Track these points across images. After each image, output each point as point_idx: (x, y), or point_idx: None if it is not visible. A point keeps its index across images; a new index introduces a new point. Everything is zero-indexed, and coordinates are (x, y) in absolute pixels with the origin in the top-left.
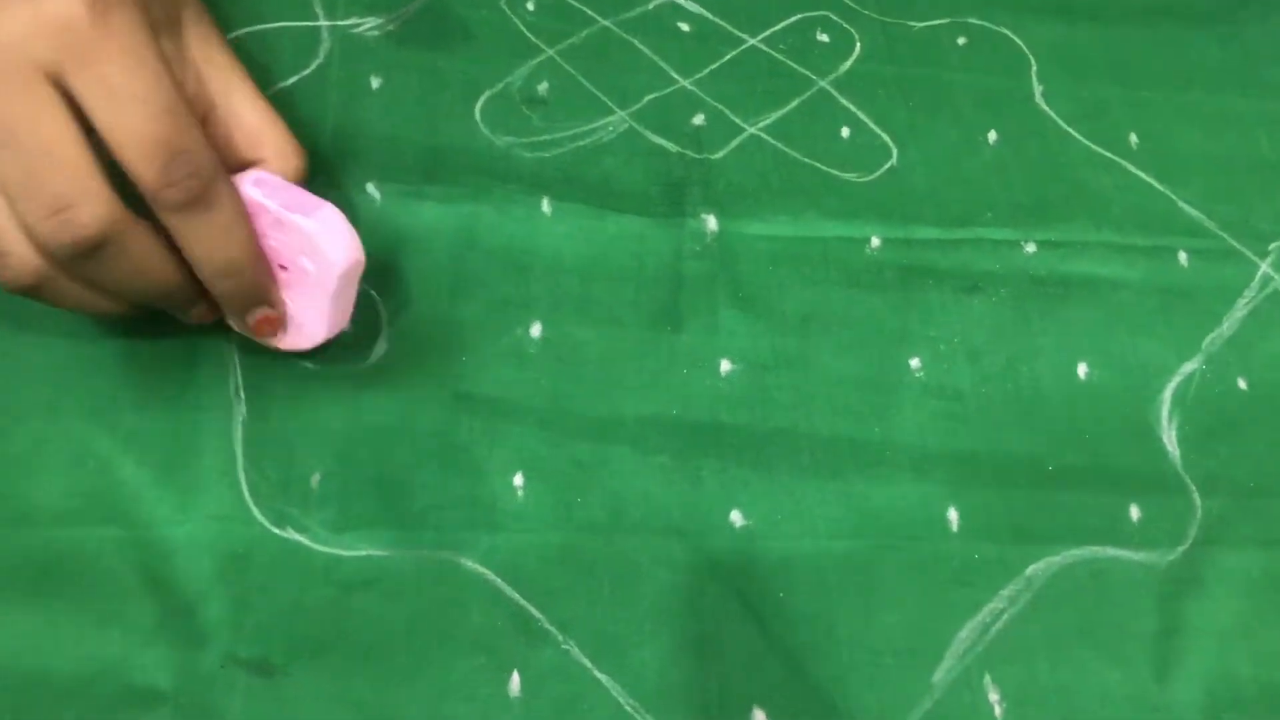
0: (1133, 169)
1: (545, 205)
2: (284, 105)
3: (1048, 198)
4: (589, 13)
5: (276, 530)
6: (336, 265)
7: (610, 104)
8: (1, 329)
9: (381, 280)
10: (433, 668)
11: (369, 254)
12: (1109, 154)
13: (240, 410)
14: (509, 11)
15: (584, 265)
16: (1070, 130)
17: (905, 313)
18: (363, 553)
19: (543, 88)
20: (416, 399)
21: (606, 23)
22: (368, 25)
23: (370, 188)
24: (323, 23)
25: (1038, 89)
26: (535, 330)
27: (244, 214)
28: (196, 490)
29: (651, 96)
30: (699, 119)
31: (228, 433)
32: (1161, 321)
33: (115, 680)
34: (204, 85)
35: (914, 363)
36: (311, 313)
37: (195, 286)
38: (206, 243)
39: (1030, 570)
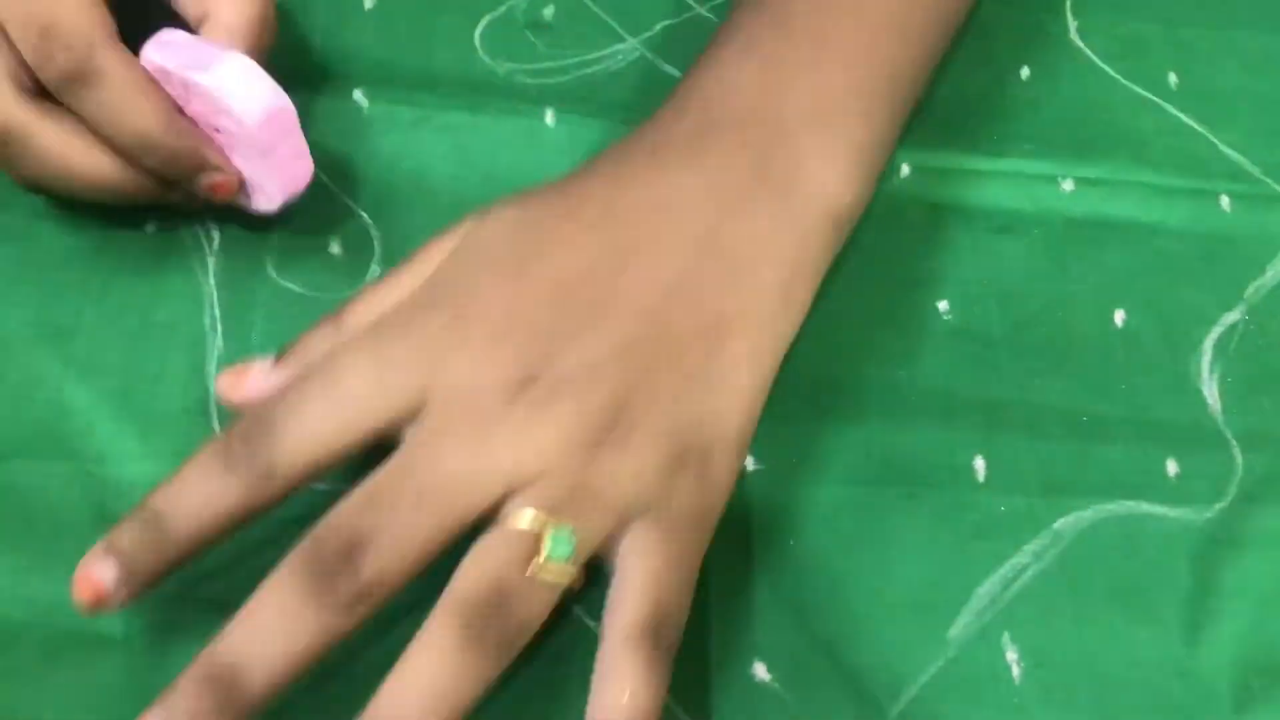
0: (1172, 110)
1: (549, 117)
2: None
3: (1084, 135)
4: None
5: None
6: (251, 119)
7: (620, 30)
8: None
9: (372, 200)
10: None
11: (358, 168)
12: (1147, 94)
13: (217, 344)
14: None
15: None
16: (1106, 68)
17: (934, 252)
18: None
19: (548, 11)
20: None
21: None
22: None
23: (358, 95)
24: None
25: (1072, 24)
26: None
27: (142, 82)
28: (161, 426)
29: (665, 23)
30: None
31: (200, 368)
32: (1202, 268)
33: (60, 624)
34: None
35: (942, 305)
36: (261, 174)
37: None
38: (105, 119)
39: (1059, 524)
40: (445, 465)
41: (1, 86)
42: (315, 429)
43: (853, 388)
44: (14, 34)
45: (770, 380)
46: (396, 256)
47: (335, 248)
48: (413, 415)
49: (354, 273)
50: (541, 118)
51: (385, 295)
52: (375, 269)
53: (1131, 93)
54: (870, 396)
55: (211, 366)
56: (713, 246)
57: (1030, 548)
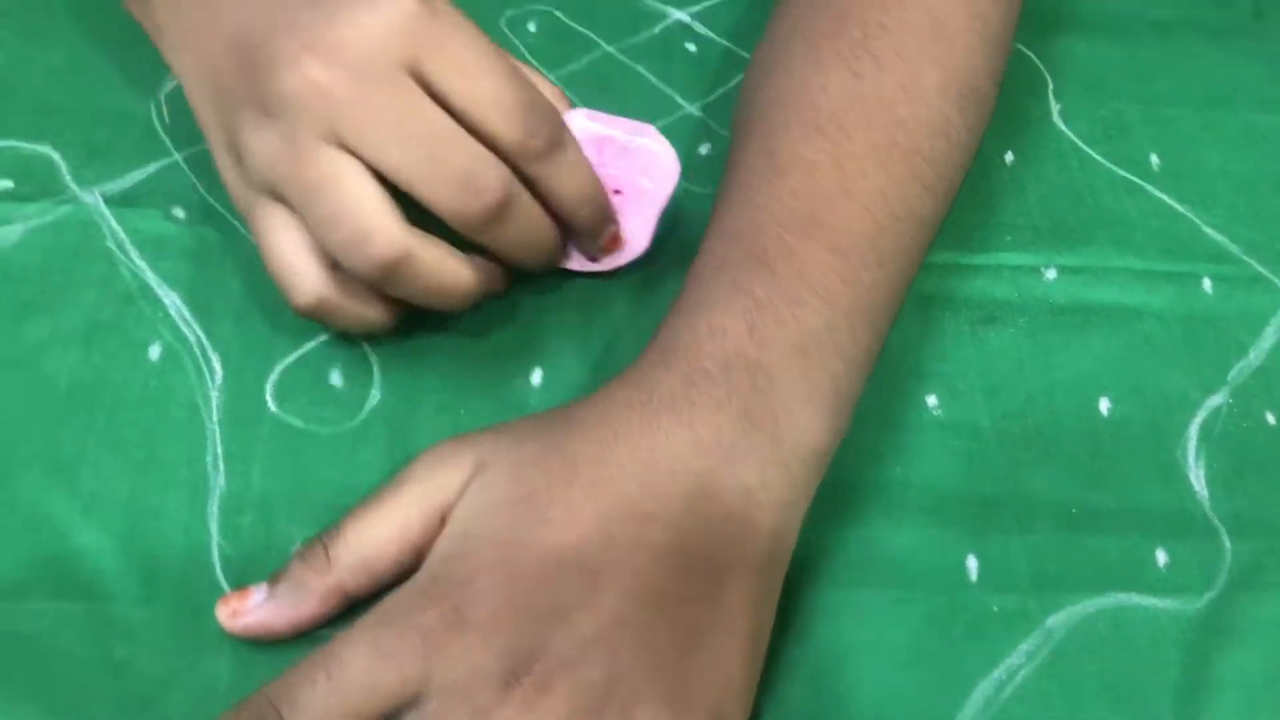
0: (1154, 191)
1: None
2: None
3: (1067, 221)
4: (592, 36)
5: None
6: (674, 175)
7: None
8: None
9: None
10: None
11: None
12: (1130, 175)
13: (219, 482)
14: (509, 33)
15: (584, 307)
16: (1089, 151)
17: (921, 346)
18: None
19: None
20: (410, 456)
21: (610, 48)
22: None
23: None
24: None
25: (1055, 107)
26: (536, 378)
27: (579, 146)
28: (165, 570)
29: (657, 125)
30: (706, 149)
31: (202, 505)
32: (1185, 352)
33: None
34: None
35: (931, 400)
36: (637, 230)
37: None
38: (568, 179)
39: (1050, 622)
40: None
41: (392, 219)
42: (319, 717)
43: (850, 488)
44: (499, 118)
45: (771, 618)
46: (397, 383)
47: (336, 378)
48: (413, 702)
49: (354, 403)
50: None
51: (370, 529)
52: (375, 395)
53: (1114, 175)
54: (866, 497)
55: (213, 507)
56: (704, 500)
57: (1024, 647)
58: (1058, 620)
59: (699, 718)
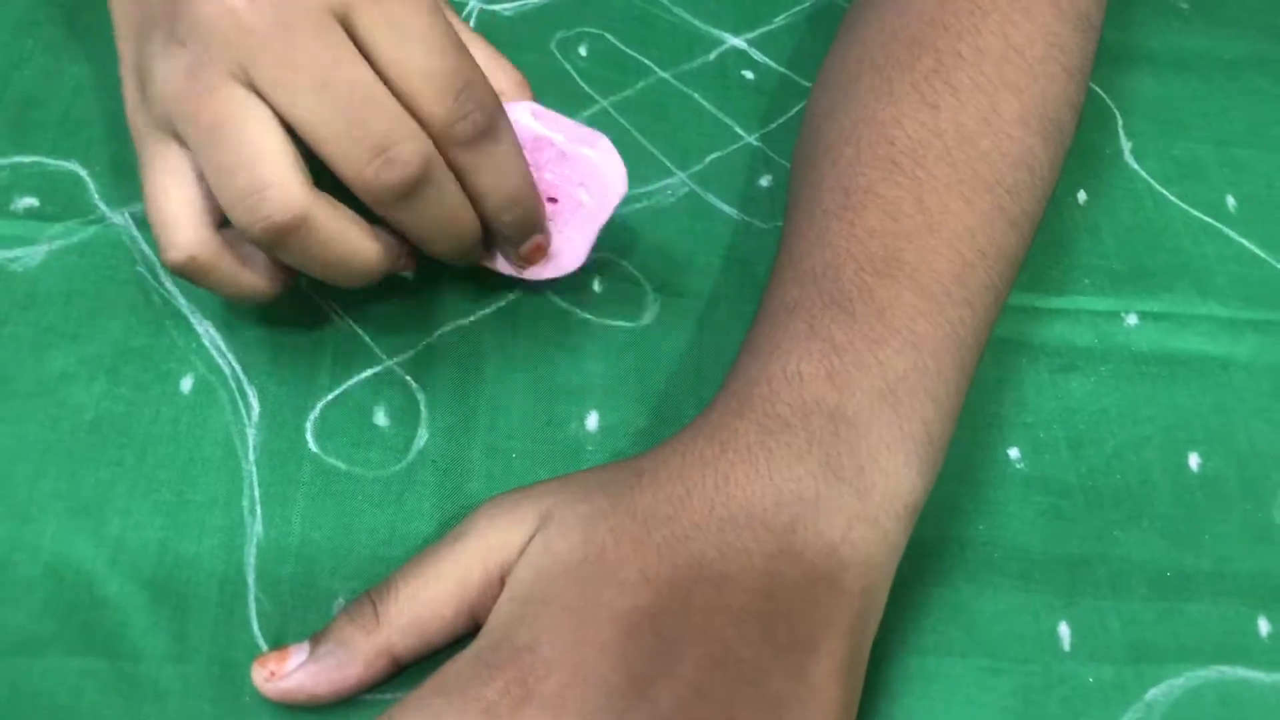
0: (1232, 234)
1: (596, 285)
2: None
3: (1145, 265)
4: (645, 62)
5: None
6: (617, 193)
7: (669, 164)
8: None
9: (418, 362)
10: None
11: (401, 333)
12: (1206, 217)
13: (255, 529)
14: (559, 55)
15: (639, 347)
16: (1163, 191)
17: (1000, 394)
18: (389, 696)
19: None
20: (460, 503)
21: (664, 74)
22: None
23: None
24: None
25: (1126, 145)
26: (591, 421)
27: (518, 145)
28: (198, 625)
29: (714, 155)
30: (766, 180)
31: (238, 555)
32: (1275, 404)
33: None
34: None
35: (1013, 453)
36: (572, 244)
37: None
38: (493, 175)
39: (1151, 695)
40: None
41: (295, 175)
42: None
43: (933, 547)
44: (425, 91)
45: (859, 688)
46: (445, 423)
47: (380, 417)
48: None
49: (400, 444)
50: (590, 285)
51: (424, 587)
52: (423, 435)
53: (1190, 217)
54: (950, 556)
55: (250, 556)
56: (788, 561)
57: None
58: (1158, 694)
59: None
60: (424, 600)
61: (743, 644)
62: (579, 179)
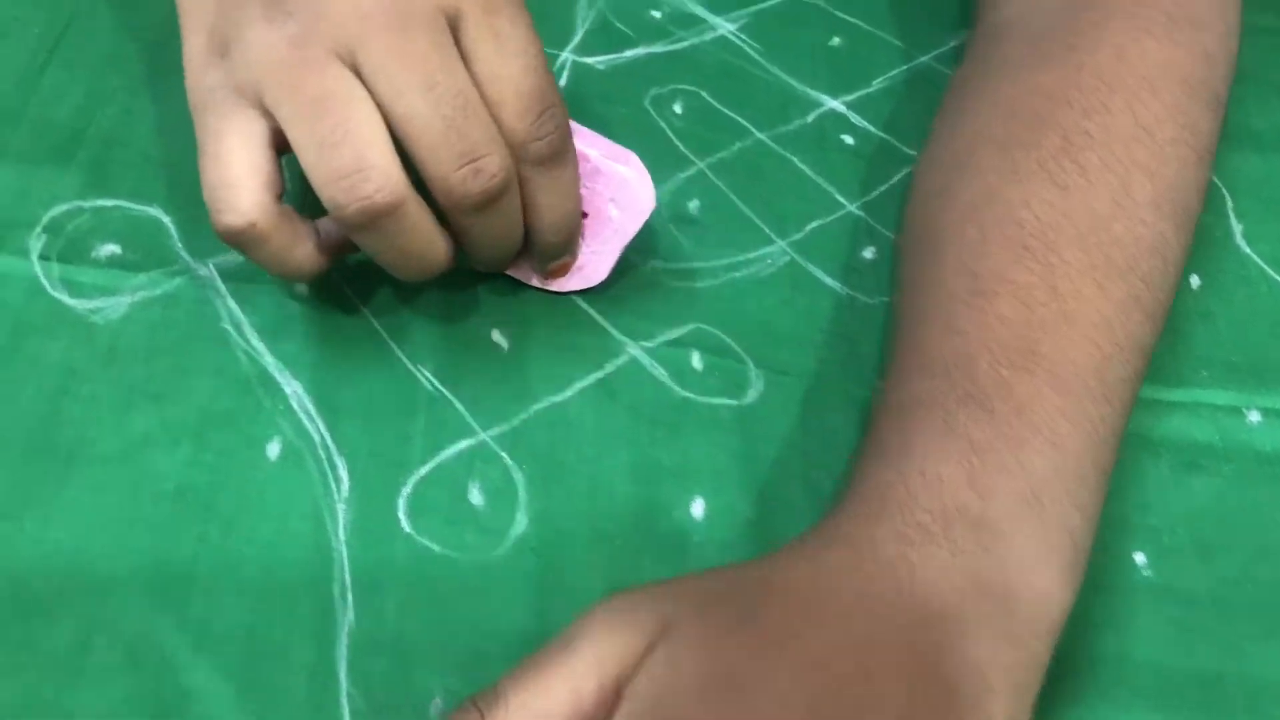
0: None
1: (696, 360)
2: None
3: (1265, 357)
4: (742, 122)
5: None
6: (646, 210)
7: (768, 231)
8: (46, 474)
9: (514, 437)
10: None
11: (495, 404)
12: None
13: (347, 616)
14: (653, 112)
15: (743, 428)
16: (1277, 277)
17: (1122, 493)
18: None
19: (693, 205)
20: (562, 594)
21: (761, 135)
22: None
23: (496, 335)
24: None
25: (1237, 228)
26: (697, 509)
27: (578, 171)
28: (288, 717)
29: (815, 223)
30: (870, 252)
31: (330, 644)
32: None
33: None
34: None
35: (1139, 558)
36: (599, 257)
37: (454, 255)
38: (555, 195)
39: None
40: None
41: (397, 162)
42: None
43: (1062, 660)
44: (515, 107)
45: None
46: (544, 505)
47: (476, 495)
48: None
49: (498, 527)
50: (688, 360)
51: (537, 698)
52: (521, 520)
53: None
54: (1082, 672)
55: (342, 647)
56: (930, 683)
57: None
58: None
59: None
60: (535, 712)
61: None
62: (610, 194)
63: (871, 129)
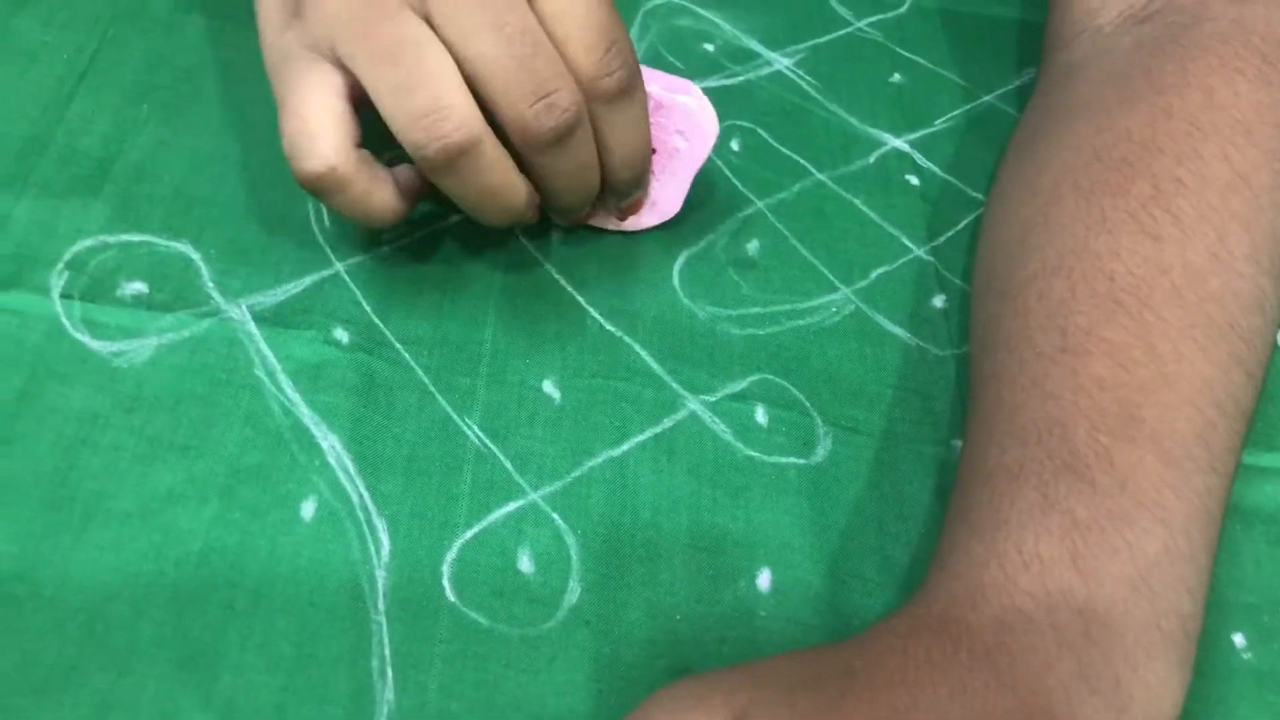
0: None
1: (760, 415)
2: (442, 250)
3: None
4: (802, 162)
5: None
6: (711, 136)
7: (832, 278)
8: (62, 531)
9: (566, 497)
10: None
11: (553, 469)
12: None
13: (386, 695)
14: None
15: (813, 491)
16: None
17: (1217, 569)
18: None
19: (752, 247)
20: (619, 673)
21: (822, 176)
22: None
23: (548, 385)
24: None
25: None
26: (763, 581)
27: (647, 107)
28: None
29: (881, 270)
30: (940, 301)
31: None
32: None
33: None
34: None
35: (1238, 640)
36: (668, 190)
37: (535, 196)
38: (626, 132)
39: None
40: None
41: (471, 101)
42: None
43: None
44: (580, 40)
45: None
46: (598, 574)
47: (525, 562)
48: None
49: (549, 598)
50: (753, 415)
51: None
52: (574, 589)
53: None
54: None
55: None
56: None
57: None
58: None
59: None
60: None
61: None
62: (675, 126)
63: (936, 169)
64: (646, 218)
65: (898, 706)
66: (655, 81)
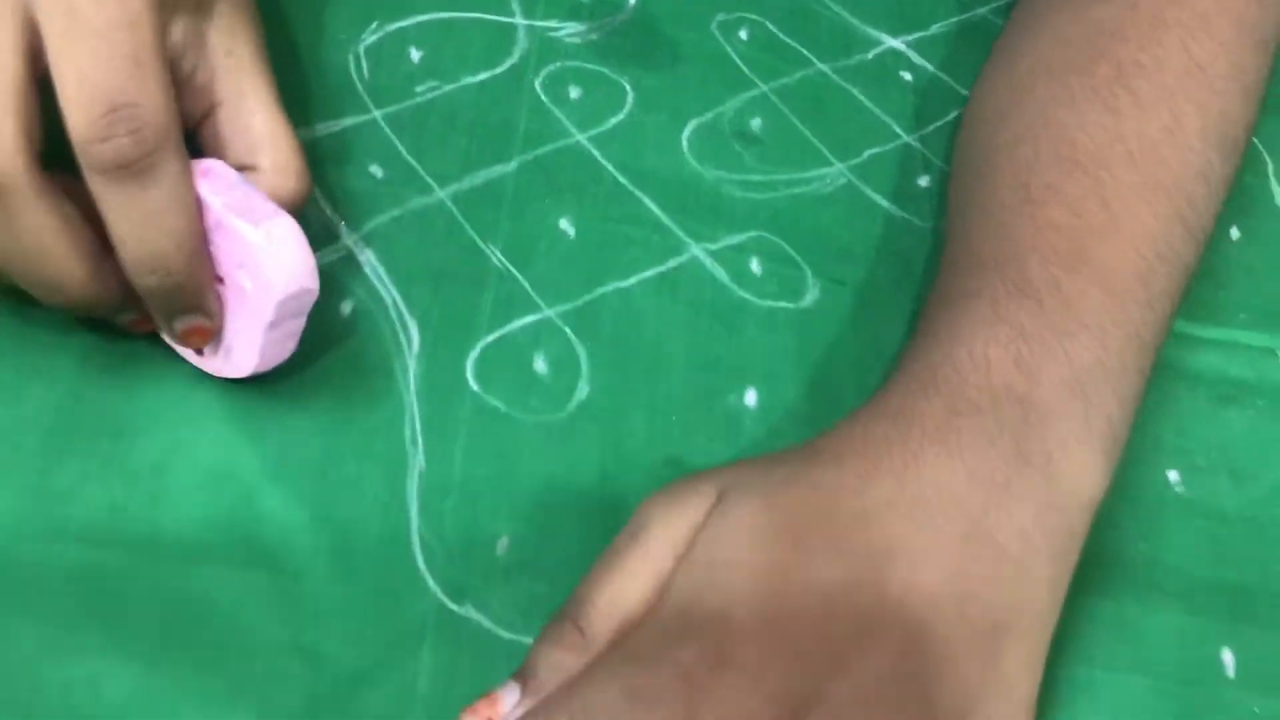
0: None
1: (755, 265)
2: (471, 104)
3: None
4: (805, 53)
5: (454, 606)
6: (275, 290)
7: (828, 154)
8: None
9: (578, 317)
10: None
11: (567, 292)
12: None
13: (418, 461)
14: (720, 37)
15: (799, 329)
16: None
17: (1159, 418)
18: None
19: (755, 123)
20: (621, 459)
21: (823, 66)
22: (568, 30)
23: (564, 223)
24: (519, 21)
25: (1276, 189)
26: (750, 398)
27: (189, 202)
28: (360, 550)
29: (872, 151)
30: (925, 180)
31: (400, 483)
32: None
33: None
34: (215, 78)
35: (1172, 475)
36: (242, 338)
37: (111, 289)
38: (133, 222)
39: None
40: None
41: (16, 142)
42: None
43: (1096, 560)
44: (73, 97)
45: (1040, 680)
46: (605, 381)
47: (540, 364)
48: None
49: (560, 395)
50: (748, 265)
51: (621, 590)
52: (584, 389)
53: None
54: (1113, 571)
55: (413, 486)
56: (979, 543)
57: None
58: None
59: None
60: (624, 605)
61: (938, 626)
62: (239, 259)
63: (929, 67)
64: (220, 364)
65: (859, 472)
66: (223, 195)
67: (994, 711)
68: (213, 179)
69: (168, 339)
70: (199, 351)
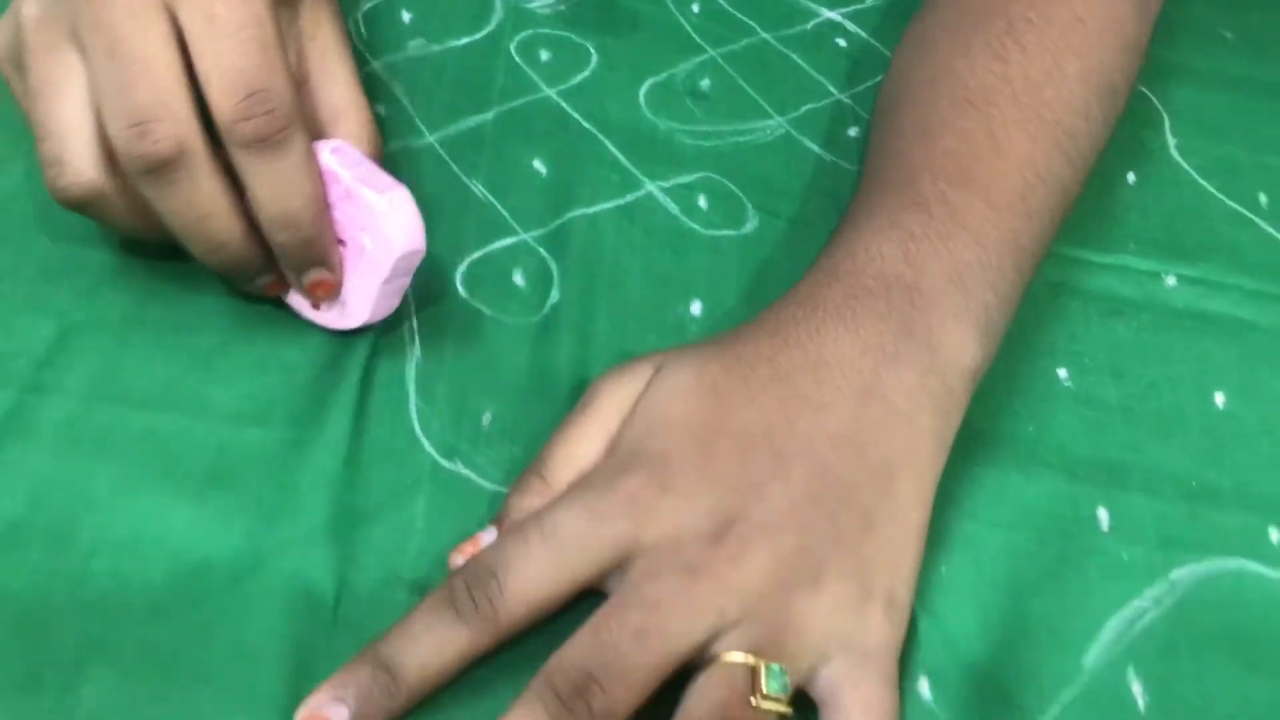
0: (1264, 225)
1: (702, 201)
2: (454, 64)
3: (1185, 239)
4: (750, 23)
5: (445, 462)
6: (395, 247)
7: (768, 108)
8: None
9: (550, 239)
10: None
11: (540, 219)
12: (1241, 209)
13: (415, 352)
14: (674, 9)
15: (741, 256)
16: (1204, 183)
17: (1052, 326)
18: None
19: (705, 83)
20: (585, 354)
21: (766, 35)
22: (539, 3)
23: (537, 163)
24: None
25: (1171, 141)
26: (695, 308)
27: (314, 169)
28: (369, 415)
29: (808, 106)
30: (854, 131)
31: (400, 370)
32: None
33: (279, 574)
34: (303, 58)
35: (1062, 372)
36: (358, 293)
37: (257, 250)
38: (270, 186)
39: (1175, 574)
40: (660, 607)
41: (189, 117)
42: (536, 577)
43: (985, 437)
44: (217, 85)
45: (929, 517)
46: (575, 291)
47: (519, 278)
48: (620, 564)
49: (536, 302)
50: (696, 201)
51: (577, 447)
52: (555, 295)
53: (1227, 207)
54: (1001, 447)
55: (411, 372)
56: (872, 397)
57: (1150, 593)
58: (1182, 574)
59: (877, 597)
60: (580, 458)
61: (840, 463)
62: (362, 223)
63: (862, 34)
64: (335, 316)
65: (773, 344)
66: (351, 169)
67: (890, 533)
68: (341, 155)
69: (291, 301)
70: (316, 307)
